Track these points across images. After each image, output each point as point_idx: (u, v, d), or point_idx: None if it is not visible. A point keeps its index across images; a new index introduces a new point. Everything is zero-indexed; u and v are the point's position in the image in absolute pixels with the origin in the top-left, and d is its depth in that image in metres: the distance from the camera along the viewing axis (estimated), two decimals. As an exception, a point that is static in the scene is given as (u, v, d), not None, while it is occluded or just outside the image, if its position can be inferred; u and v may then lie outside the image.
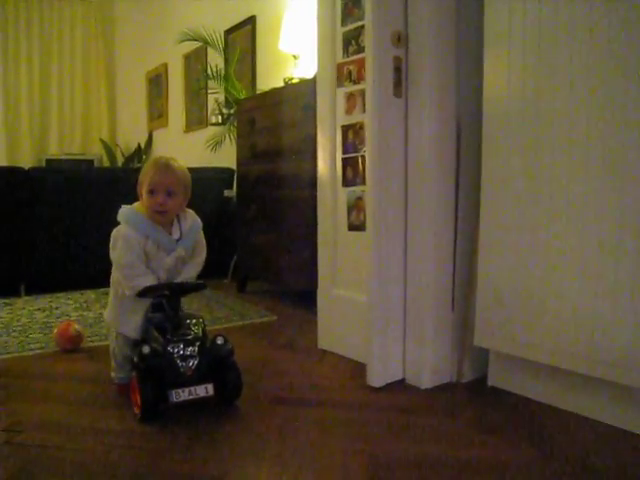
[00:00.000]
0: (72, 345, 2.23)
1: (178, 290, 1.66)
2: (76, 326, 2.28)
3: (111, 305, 1.75)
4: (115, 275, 1.70)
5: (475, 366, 1.84)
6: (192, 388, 1.52)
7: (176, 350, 1.54)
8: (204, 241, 1.78)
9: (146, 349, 1.53)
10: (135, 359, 1.56)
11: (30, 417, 1.59)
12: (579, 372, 1.51)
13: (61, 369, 2.02)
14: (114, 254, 1.64)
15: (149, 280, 1.61)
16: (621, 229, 1.40)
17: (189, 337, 1.57)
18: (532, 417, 1.55)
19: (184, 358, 1.53)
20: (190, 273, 1.72)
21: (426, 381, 1.77)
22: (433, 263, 1.77)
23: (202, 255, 1.76)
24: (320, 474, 1.28)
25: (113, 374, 1.76)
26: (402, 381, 1.82)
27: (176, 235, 1.68)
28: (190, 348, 1.55)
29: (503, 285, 1.67)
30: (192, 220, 1.74)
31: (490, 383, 1.78)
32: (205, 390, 1.54)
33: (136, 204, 1.68)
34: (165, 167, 1.65)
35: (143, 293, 1.63)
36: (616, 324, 1.42)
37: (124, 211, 1.66)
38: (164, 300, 1.65)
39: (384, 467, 1.29)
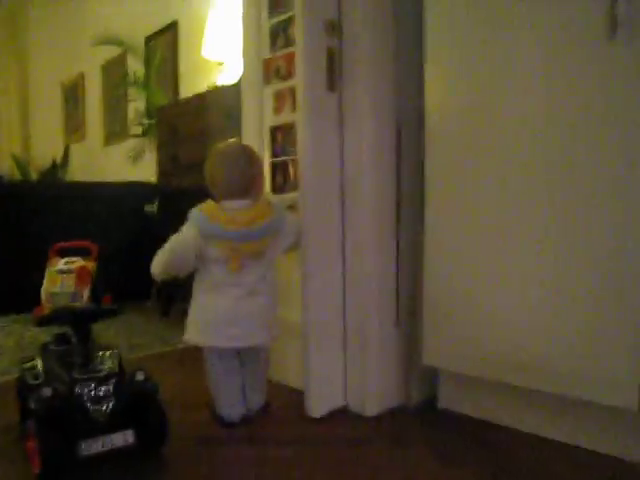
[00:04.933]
0: (-39, 384, 1.91)
1: (85, 317, 1.39)
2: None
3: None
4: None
5: (423, 387, 1.68)
6: (107, 437, 1.25)
7: (86, 391, 1.27)
8: None
9: (47, 391, 1.25)
10: (32, 404, 1.26)
11: None
12: (537, 389, 1.38)
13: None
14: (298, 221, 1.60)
15: None
16: (571, 236, 1.29)
17: (101, 374, 1.31)
18: (490, 442, 1.40)
19: (96, 400, 1.26)
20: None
21: (371, 407, 1.59)
22: (374, 276, 1.60)
23: None
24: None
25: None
26: (345, 408, 1.63)
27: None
28: (103, 387, 1.28)
29: (451, 298, 1.52)
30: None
31: (441, 405, 1.62)
32: (123, 438, 1.27)
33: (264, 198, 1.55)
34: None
35: (43, 322, 1.38)
36: (571, 338, 1.30)
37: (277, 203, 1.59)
38: (70, 329, 1.39)
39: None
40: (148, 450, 1.34)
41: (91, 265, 1.46)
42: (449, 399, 1.61)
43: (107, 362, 1.37)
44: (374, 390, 1.60)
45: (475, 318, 1.47)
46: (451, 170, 1.51)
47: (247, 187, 1.49)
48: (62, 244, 1.52)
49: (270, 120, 1.84)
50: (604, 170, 1.24)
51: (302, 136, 1.58)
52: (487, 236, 1.44)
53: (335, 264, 1.63)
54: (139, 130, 4.05)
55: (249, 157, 1.53)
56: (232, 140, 1.60)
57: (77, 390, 1.26)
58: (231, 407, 1.53)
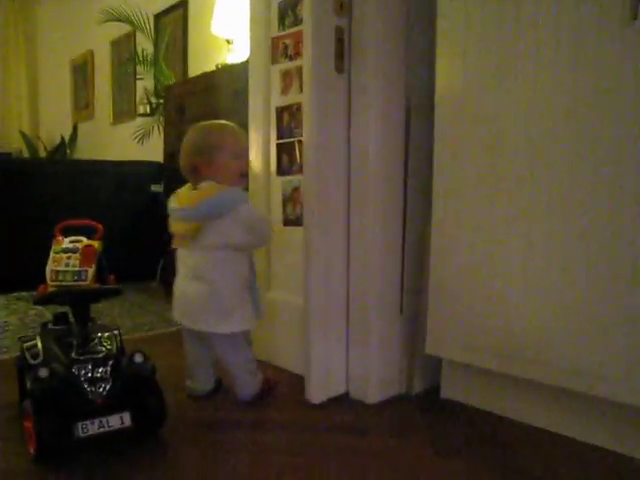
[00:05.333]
0: (-37, 361, 1.91)
1: (84, 297, 1.37)
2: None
3: (236, 310, 1.49)
4: (232, 276, 1.49)
5: (426, 375, 1.65)
6: (103, 419, 1.24)
7: (83, 372, 1.25)
8: None
9: (43, 372, 1.23)
10: (29, 384, 1.25)
11: None
12: (540, 381, 1.35)
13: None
14: (262, 222, 1.56)
15: None
16: (586, 229, 1.24)
17: (99, 355, 1.29)
18: (492, 434, 1.38)
19: (93, 381, 1.24)
20: None
21: (372, 395, 1.57)
22: (379, 261, 1.57)
23: None
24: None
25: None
26: (346, 395, 1.61)
27: None
28: (100, 369, 1.26)
29: (456, 287, 1.49)
30: None
31: (443, 395, 1.60)
32: (120, 420, 1.25)
33: (212, 183, 1.48)
34: (241, 131, 1.59)
35: (41, 301, 1.36)
36: (577, 331, 1.26)
37: (237, 191, 1.49)
38: (69, 309, 1.37)
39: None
40: (145, 432, 1.33)
41: (96, 244, 1.42)
42: (452, 389, 1.59)
43: (105, 343, 1.36)
44: (376, 378, 1.57)
45: (480, 308, 1.44)
46: (461, 155, 1.47)
47: (192, 174, 1.51)
48: (67, 222, 1.48)
49: (276, 100, 1.80)
50: (626, 156, 1.19)
51: (308, 118, 1.54)
52: (496, 225, 1.41)
53: (339, 249, 1.60)
54: (147, 109, 4.01)
55: (199, 145, 1.51)
56: (210, 122, 1.57)
57: (74, 371, 1.25)
58: (190, 379, 1.61)
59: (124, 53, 4.67)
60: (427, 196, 1.56)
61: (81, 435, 1.22)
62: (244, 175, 1.56)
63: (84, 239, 1.43)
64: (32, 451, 1.24)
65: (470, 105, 1.44)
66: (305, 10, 1.59)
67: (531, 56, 1.31)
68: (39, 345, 1.43)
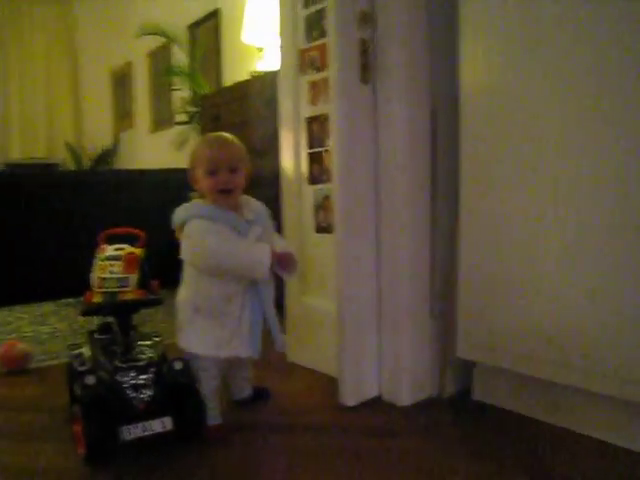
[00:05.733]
0: (17, 366, 2.02)
1: (126, 308, 1.44)
2: (21, 346, 2.07)
3: (183, 329, 1.48)
4: (185, 293, 1.47)
5: (458, 377, 1.67)
6: (146, 423, 1.31)
7: (126, 379, 1.32)
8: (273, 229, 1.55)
9: (90, 379, 1.32)
10: (78, 391, 1.34)
11: (-43, 456, 1.40)
12: (574, 385, 1.35)
13: (1, 394, 1.81)
14: (196, 254, 1.39)
15: (254, 246, 1.38)
16: (620, 219, 1.24)
17: (142, 363, 1.37)
18: (524, 438, 1.39)
19: (136, 388, 1.32)
20: (280, 242, 1.50)
21: (404, 398, 1.60)
22: (408, 265, 1.60)
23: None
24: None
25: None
26: (378, 398, 1.65)
27: (249, 216, 1.44)
28: (143, 376, 1.34)
29: (487, 287, 1.51)
30: (258, 204, 1.50)
31: (475, 397, 1.62)
32: (162, 424, 1.32)
33: (196, 201, 1.46)
34: (222, 142, 1.46)
35: (87, 313, 1.44)
36: (617, 331, 1.26)
37: (187, 207, 1.43)
38: (113, 319, 1.45)
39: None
40: (185, 436, 1.39)
41: (139, 251, 1.48)
42: (484, 391, 1.60)
43: (148, 351, 1.43)
44: (408, 380, 1.60)
45: (513, 310, 1.44)
46: (487, 154, 1.48)
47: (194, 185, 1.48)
48: (111, 231, 1.55)
49: (306, 111, 1.85)
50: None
51: (335, 128, 1.58)
52: (526, 222, 1.40)
53: (369, 254, 1.64)
54: (184, 118, 4.12)
55: (190, 159, 1.47)
56: (218, 134, 1.51)
57: (118, 378, 1.32)
58: (231, 384, 1.64)
59: (161, 63, 4.79)
60: (454, 197, 1.58)
61: (126, 438, 1.29)
62: (224, 191, 1.40)
63: (127, 247, 1.49)
64: (81, 452, 1.32)
65: (497, 96, 1.45)
66: (329, 23, 1.64)
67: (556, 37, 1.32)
68: (86, 353, 1.52)
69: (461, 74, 1.52)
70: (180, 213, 1.43)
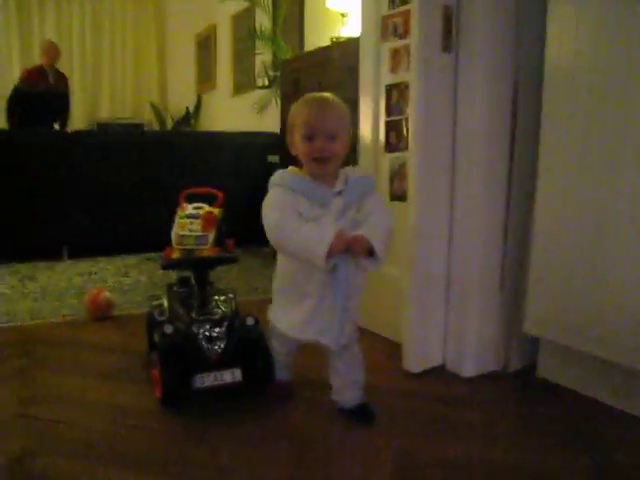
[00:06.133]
0: (102, 313, 2.18)
1: (204, 264, 1.51)
2: (106, 294, 2.22)
3: (273, 300, 1.43)
4: (277, 266, 1.39)
5: (524, 353, 1.66)
6: (218, 373, 1.39)
7: (201, 331, 1.40)
8: (382, 201, 1.40)
9: (169, 328, 1.41)
10: (156, 338, 1.44)
11: (48, 388, 1.54)
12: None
13: (87, 338, 1.97)
14: (265, 226, 1.27)
15: (312, 228, 1.21)
16: None
17: (216, 317, 1.44)
18: (587, 418, 1.38)
19: (210, 340, 1.40)
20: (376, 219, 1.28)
21: (468, 369, 1.61)
22: (481, 237, 1.60)
23: (383, 216, 1.31)
24: (340, 472, 1.16)
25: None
26: (442, 367, 1.67)
27: (338, 187, 1.29)
28: (217, 329, 1.41)
29: (560, 265, 1.48)
30: (359, 176, 1.34)
31: (540, 375, 1.60)
32: (232, 375, 1.40)
33: (290, 167, 1.35)
34: (323, 104, 1.29)
35: (168, 266, 1.53)
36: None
37: (278, 173, 1.32)
38: (191, 273, 1.53)
39: (411, 468, 1.15)
40: (253, 388, 1.46)
41: (217, 211, 1.53)
42: (549, 369, 1.58)
43: (222, 306, 1.50)
44: (472, 352, 1.61)
45: (585, 289, 1.41)
46: (569, 128, 1.44)
47: None
48: (191, 190, 1.59)
49: (386, 78, 1.84)
50: None
51: (414, 96, 1.58)
52: (604, 201, 1.36)
53: (441, 225, 1.64)
54: (265, 81, 4.16)
55: (288, 120, 1.34)
56: (306, 95, 1.35)
57: (194, 329, 1.41)
58: None
59: (244, 27, 4.84)
60: (532, 173, 1.55)
61: (199, 386, 1.38)
62: (318, 159, 1.26)
63: (206, 206, 1.54)
64: (158, 394, 1.43)
65: (583, 75, 1.40)
66: (414, -11, 1.61)
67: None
68: (165, 304, 1.62)
69: (547, 46, 1.47)
70: (271, 178, 1.32)
